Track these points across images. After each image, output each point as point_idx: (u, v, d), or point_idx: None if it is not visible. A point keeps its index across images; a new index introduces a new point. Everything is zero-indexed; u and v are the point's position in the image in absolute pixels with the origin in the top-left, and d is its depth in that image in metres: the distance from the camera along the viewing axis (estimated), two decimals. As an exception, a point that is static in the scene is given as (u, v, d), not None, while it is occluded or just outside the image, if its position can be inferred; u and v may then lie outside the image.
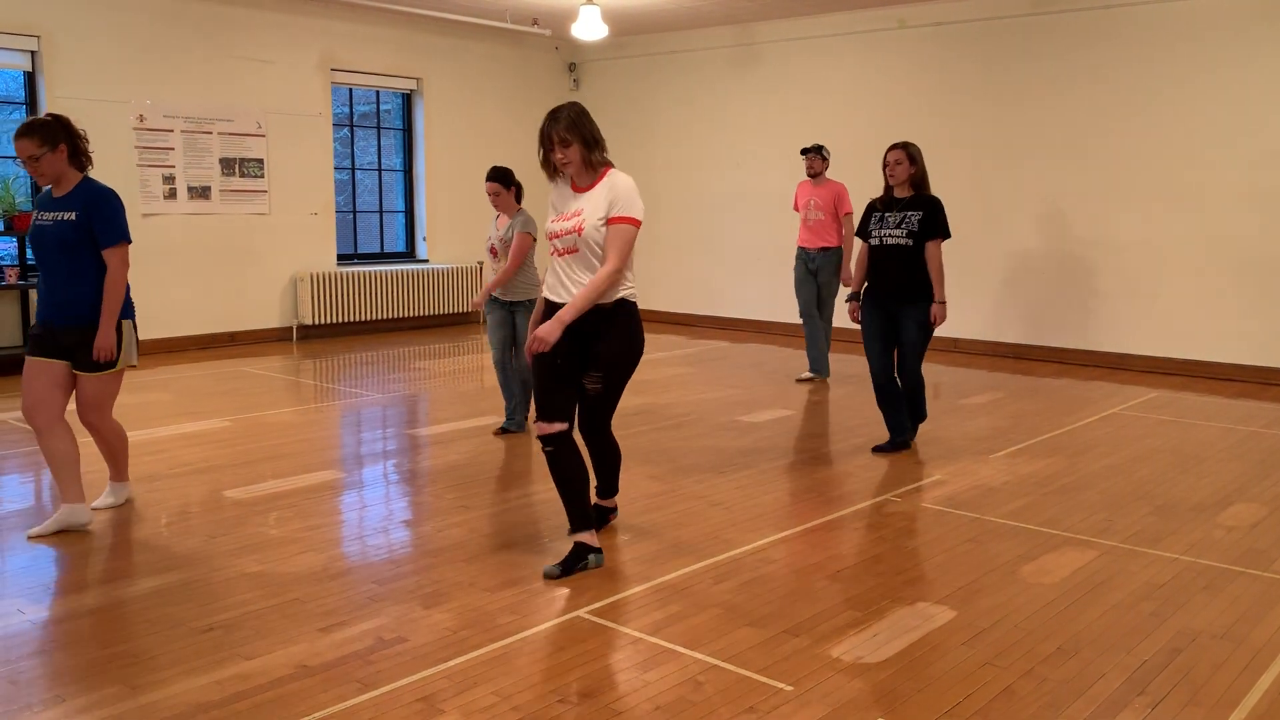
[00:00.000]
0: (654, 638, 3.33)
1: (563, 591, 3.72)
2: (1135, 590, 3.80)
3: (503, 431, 6.22)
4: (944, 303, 5.65)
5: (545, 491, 4.97)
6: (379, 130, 11.19)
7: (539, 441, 3.97)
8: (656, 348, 9.81)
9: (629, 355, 3.98)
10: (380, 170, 11.19)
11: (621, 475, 5.26)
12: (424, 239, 11.27)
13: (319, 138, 10.14)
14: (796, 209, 8.29)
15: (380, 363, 8.92)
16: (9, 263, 8.21)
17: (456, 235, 11.41)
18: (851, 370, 8.60)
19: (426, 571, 3.91)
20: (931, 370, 8.65)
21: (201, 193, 9.30)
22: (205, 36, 9.23)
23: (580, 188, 3.97)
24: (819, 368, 8.20)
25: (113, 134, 8.65)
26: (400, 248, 11.39)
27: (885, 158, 5.72)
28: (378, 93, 11.00)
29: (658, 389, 7.69)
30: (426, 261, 11.25)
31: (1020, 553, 4.19)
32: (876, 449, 5.87)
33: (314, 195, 10.15)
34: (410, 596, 3.66)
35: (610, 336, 3.92)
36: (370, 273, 10.47)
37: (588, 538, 3.97)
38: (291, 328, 10.10)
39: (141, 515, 4.57)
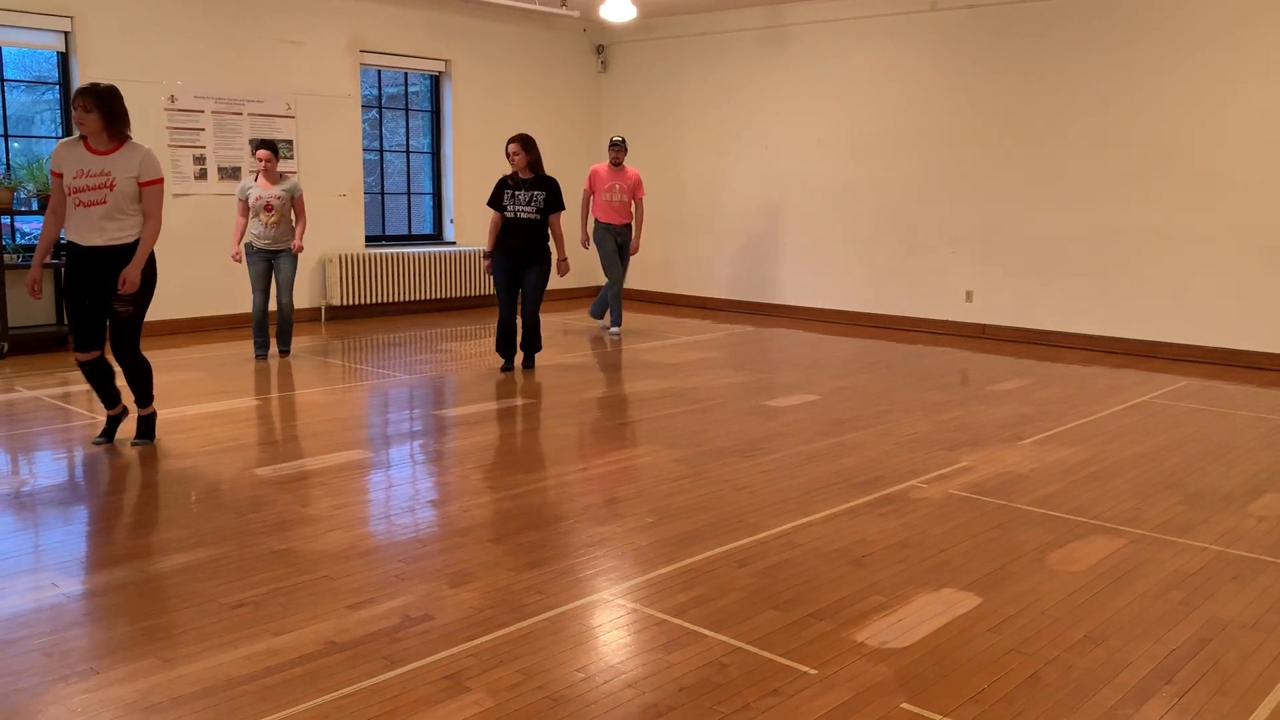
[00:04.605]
0: (679, 619, 3.34)
1: (589, 573, 3.74)
2: (1164, 579, 3.77)
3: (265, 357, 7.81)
4: (566, 259, 7.64)
5: (571, 473, 5.00)
6: (407, 112, 11.21)
7: (80, 363, 5.16)
8: (682, 331, 9.80)
9: (151, 284, 5.17)
10: (408, 152, 11.22)
11: (648, 458, 5.30)
12: (451, 221, 11.29)
13: (348, 119, 10.17)
14: (592, 190, 9.31)
15: (408, 344, 8.97)
16: (42, 241, 8.30)
17: (484, 217, 11.37)
18: (876, 357, 8.57)
19: (453, 551, 3.93)
20: (959, 356, 8.62)
21: (232, 173, 9.37)
22: (236, 18, 9.27)
23: (101, 151, 4.98)
24: (599, 313, 9.72)
25: (144, 114, 8.70)
26: (428, 229, 11.43)
27: (506, 149, 7.31)
28: (406, 74, 11.02)
29: (684, 373, 7.69)
30: (454, 243, 11.28)
31: (1047, 540, 4.16)
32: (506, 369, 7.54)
33: (343, 177, 10.19)
34: (437, 575, 3.69)
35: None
36: (398, 254, 10.51)
37: (117, 411, 5.40)
38: (320, 308, 10.17)
39: (173, 492, 4.62)
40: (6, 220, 8.17)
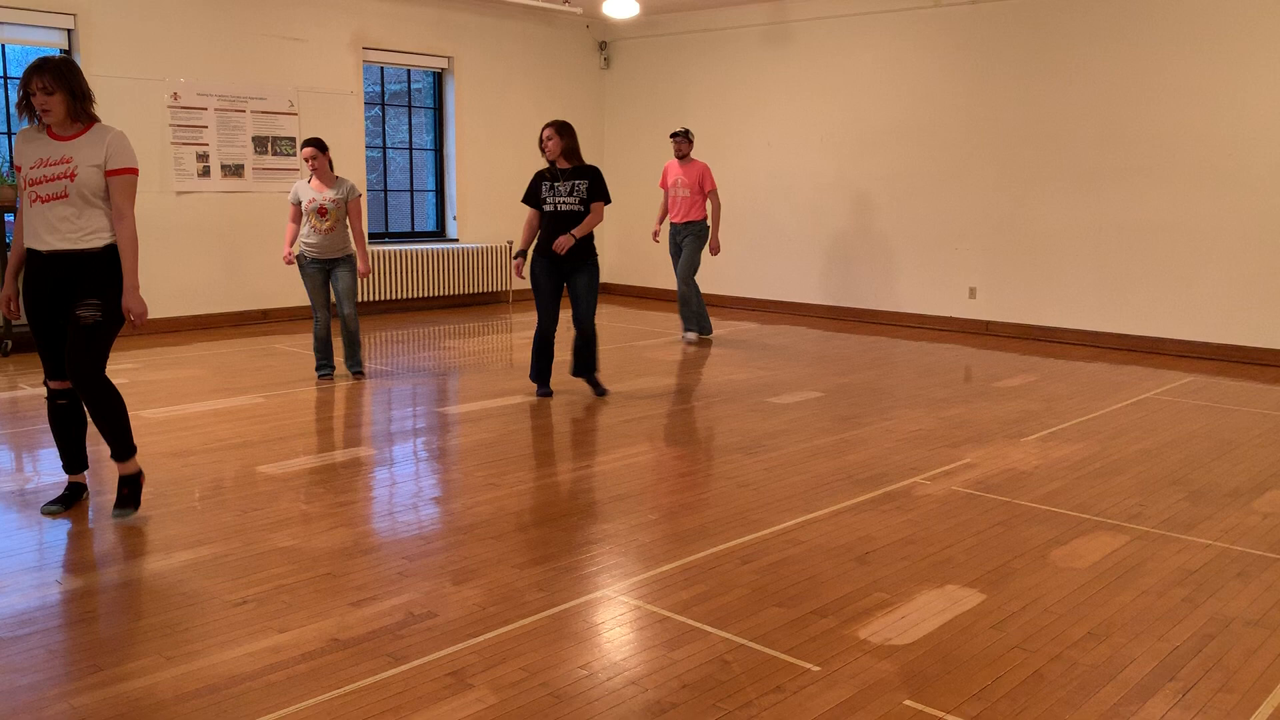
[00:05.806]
0: (682, 616, 3.34)
1: (591, 570, 3.74)
2: (1167, 576, 3.77)
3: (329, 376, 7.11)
4: (571, 234, 6.35)
5: (574, 470, 5.00)
6: (410, 109, 11.21)
7: (50, 393, 4.23)
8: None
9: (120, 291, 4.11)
10: (411, 149, 11.22)
11: (650, 454, 5.29)
12: (454, 218, 11.30)
13: (351, 116, 10.17)
14: (663, 187, 8.96)
15: (410, 341, 8.97)
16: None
17: (487, 214, 11.44)
18: (879, 353, 8.56)
19: (456, 548, 3.94)
20: (963, 352, 8.60)
21: (235, 170, 9.37)
22: (239, 15, 9.27)
23: (65, 136, 4.04)
24: (703, 326, 9.07)
25: (147, 112, 8.72)
26: (431, 227, 11.43)
27: (540, 135, 6.41)
28: (409, 71, 11.02)
29: (687, 369, 7.68)
30: (457, 241, 11.28)
31: (1051, 537, 4.16)
32: (543, 393, 6.64)
33: (346, 173, 10.16)
34: (440, 572, 3.69)
35: (110, 276, 4.07)
36: (401, 251, 10.52)
37: (80, 478, 4.40)
38: (323, 305, 10.17)
39: (176, 490, 4.63)
40: (10, 217, 8.18)
